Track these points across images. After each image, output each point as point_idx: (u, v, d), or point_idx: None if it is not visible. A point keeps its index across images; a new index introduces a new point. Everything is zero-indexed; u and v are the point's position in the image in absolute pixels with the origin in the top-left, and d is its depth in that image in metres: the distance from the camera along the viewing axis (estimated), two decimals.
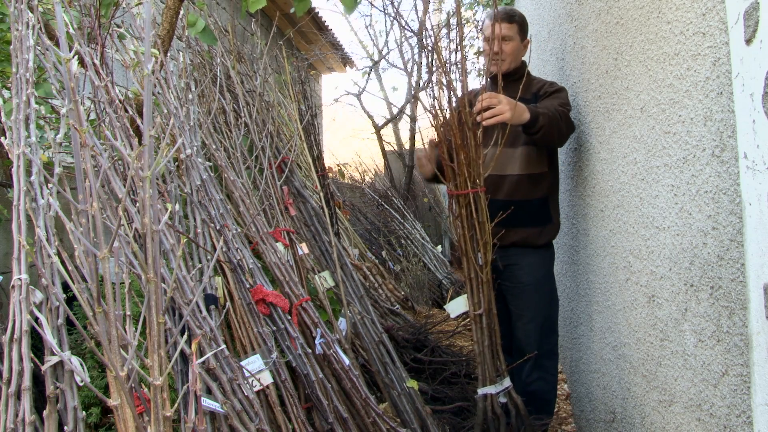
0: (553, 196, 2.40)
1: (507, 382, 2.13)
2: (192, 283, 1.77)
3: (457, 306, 2.35)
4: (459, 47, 2.12)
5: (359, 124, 9.74)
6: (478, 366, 2.13)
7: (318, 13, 7.24)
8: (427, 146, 2.32)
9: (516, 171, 2.33)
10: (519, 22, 2.36)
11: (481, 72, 7.07)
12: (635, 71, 1.62)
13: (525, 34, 2.40)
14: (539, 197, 2.34)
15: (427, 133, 2.38)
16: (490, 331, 2.14)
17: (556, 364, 2.42)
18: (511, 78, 2.36)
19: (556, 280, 2.51)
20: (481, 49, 2.42)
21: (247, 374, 1.72)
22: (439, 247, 6.14)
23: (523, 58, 2.45)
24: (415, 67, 7.39)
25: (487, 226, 2.13)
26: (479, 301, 2.14)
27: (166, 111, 2.19)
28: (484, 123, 2.06)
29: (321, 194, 3.12)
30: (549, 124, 2.13)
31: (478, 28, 2.37)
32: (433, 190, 7.74)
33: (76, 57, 1.61)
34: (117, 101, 1.82)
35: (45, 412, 1.30)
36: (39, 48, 1.75)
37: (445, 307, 2.53)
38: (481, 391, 2.12)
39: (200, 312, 1.73)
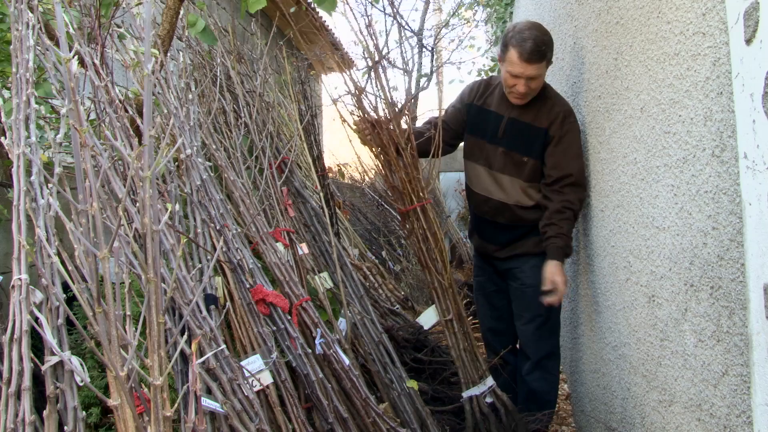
0: None
1: (490, 381, 2.14)
2: (192, 283, 1.77)
3: (428, 317, 2.32)
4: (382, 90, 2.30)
5: None
6: (459, 370, 2.15)
7: (318, 13, 7.24)
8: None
9: (525, 203, 2.32)
10: (549, 58, 2.16)
11: (481, 72, 7.07)
12: (635, 71, 1.62)
13: (551, 61, 2.20)
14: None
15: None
16: (464, 334, 2.16)
17: (557, 365, 2.43)
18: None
19: None
20: (500, 76, 2.26)
21: (247, 374, 1.72)
22: None
23: None
24: (415, 67, 7.40)
25: (439, 234, 2.18)
26: (447, 308, 2.17)
27: (166, 111, 2.19)
28: (549, 303, 2.18)
29: (321, 194, 3.11)
30: (569, 233, 2.20)
31: (498, 51, 2.33)
32: (433, 190, 7.73)
33: (76, 57, 1.61)
34: (117, 101, 1.81)
35: (45, 412, 1.30)
36: (39, 48, 1.74)
37: (416, 320, 2.53)
38: (465, 394, 2.13)
39: (200, 312, 1.73)
